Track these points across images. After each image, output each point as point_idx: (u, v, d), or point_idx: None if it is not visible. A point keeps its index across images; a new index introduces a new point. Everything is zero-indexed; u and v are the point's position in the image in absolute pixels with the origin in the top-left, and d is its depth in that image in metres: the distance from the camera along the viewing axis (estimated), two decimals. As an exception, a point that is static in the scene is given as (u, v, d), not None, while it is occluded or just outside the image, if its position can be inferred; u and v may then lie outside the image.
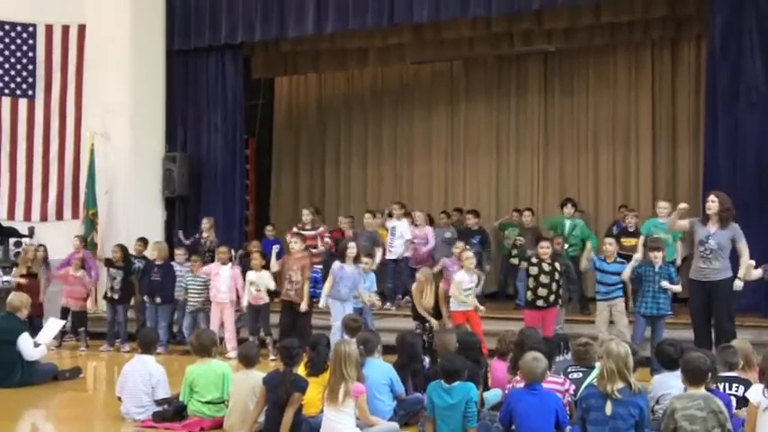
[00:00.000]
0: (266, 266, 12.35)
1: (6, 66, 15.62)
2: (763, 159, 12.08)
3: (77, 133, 15.72)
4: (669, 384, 7.07)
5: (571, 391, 7.16)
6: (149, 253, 13.81)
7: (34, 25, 15.68)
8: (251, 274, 12.35)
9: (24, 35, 15.65)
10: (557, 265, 10.74)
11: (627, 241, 12.60)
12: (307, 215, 13.94)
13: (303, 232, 13.23)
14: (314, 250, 13.16)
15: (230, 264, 12.68)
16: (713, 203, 9.72)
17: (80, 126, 15.71)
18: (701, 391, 6.14)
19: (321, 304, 11.80)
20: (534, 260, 10.79)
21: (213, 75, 16.01)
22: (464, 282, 10.93)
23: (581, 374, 7.46)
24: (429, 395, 7.06)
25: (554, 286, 10.67)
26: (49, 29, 15.73)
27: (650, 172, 16.01)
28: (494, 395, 7.94)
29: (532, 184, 16.97)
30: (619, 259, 11.09)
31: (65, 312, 13.47)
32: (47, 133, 15.73)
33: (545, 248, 10.76)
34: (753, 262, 9.67)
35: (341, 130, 18.64)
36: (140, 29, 15.54)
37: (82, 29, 15.73)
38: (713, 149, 12.62)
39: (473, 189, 17.43)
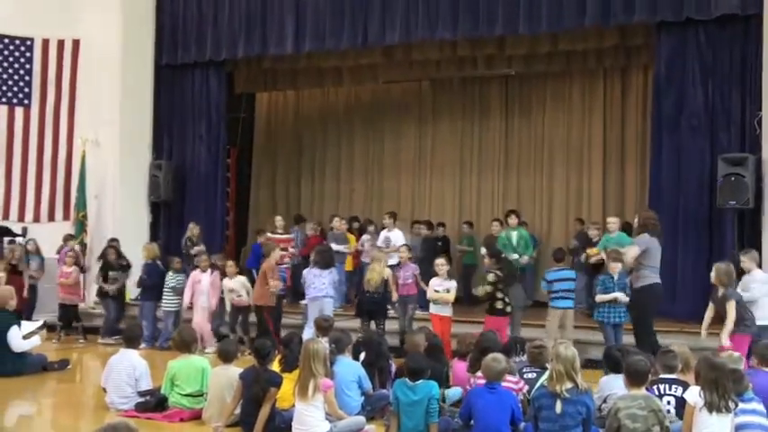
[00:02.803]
0: (241, 272, 12.39)
1: (5, 76, 15.48)
2: (702, 179, 12.21)
3: (70, 140, 15.60)
4: (615, 385, 7.14)
5: (524, 390, 7.21)
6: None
7: (32, 39, 15.57)
8: (227, 282, 12.37)
9: (22, 48, 15.53)
10: (489, 277, 10.64)
11: (592, 251, 12.77)
12: (280, 221, 14.76)
13: (276, 235, 14.01)
14: (285, 253, 13.44)
15: (209, 271, 12.64)
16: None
17: (72, 133, 15.59)
18: (642, 391, 6.22)
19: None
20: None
21: (198, 88, 15.95)
22: (435, 286, 10.99)
23: (535, 375, 7.50)
24: (394, 392, 7.06)
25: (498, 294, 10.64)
26: (45, 42, 15.62)
27: (600, 190, 16.12)
28: (454, 392, 7.98)
29: (493, 200, 17.00)
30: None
31: (63, 309, 13.43)
32: (41, 140, 15.60)
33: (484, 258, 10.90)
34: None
35: (316, 143, 18.65)
36: (131, 44, 15.47)
37: (76, 43, 15.64)
38: (658, 170, 12.73)
39: (438, 203, 17.47)
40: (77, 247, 14.37)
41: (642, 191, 15.01)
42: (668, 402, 6.73)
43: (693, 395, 6.19)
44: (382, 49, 14.96)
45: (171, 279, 12.93)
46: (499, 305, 10.60)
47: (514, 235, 13.35)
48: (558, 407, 6.17)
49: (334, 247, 13.36)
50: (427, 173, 17.60)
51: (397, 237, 13.90)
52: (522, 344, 8.53)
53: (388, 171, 17.91)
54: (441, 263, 11.15)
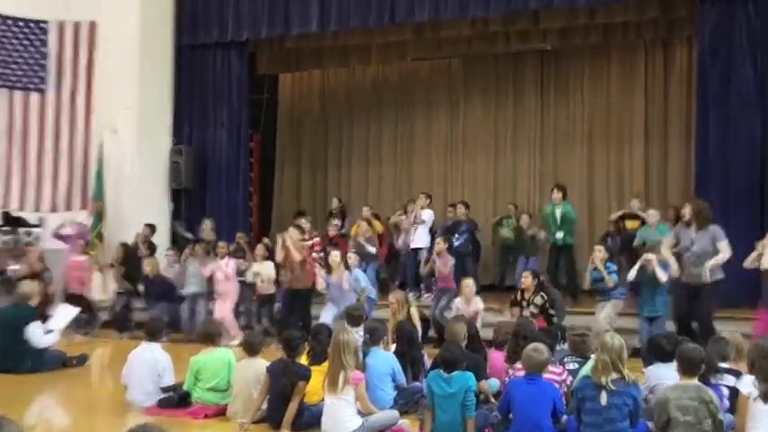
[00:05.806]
0: (270, 257, 12.33)
1: (20, 60, 15.46)
2: (752, 156, 12.03)
3: (87, 126, 15.57)
4: (662, 375, 7.00)
5: (568, 382, 7.07)
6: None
7: (47, 22, 15.55)
8: (255, 265, 12.34)
9: (37, 31, 15.49)
10: (536, 300, 10.26)
11: (630, 223, 12.92)
12: (305, 224, 14.02)
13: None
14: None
15: (227, 257, 12.68)
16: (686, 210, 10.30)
17: (90, 119, 15.56)
18: (694, 381, 6.08)
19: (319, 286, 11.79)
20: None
21: (219, 70, 15.91)
22: (461, 310, 10.76)
23: (577, 365, 7.37)
24: (428, 384, 6.93)
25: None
26: (61, 26, 15.58)
27: (642, 168, 15.90)
28: (491, 384, 7.85)
29: (529, 181, 16.82)
30: (608, 264, 10.87)
31: (70, 299, 13.38)
32: (57, 126, 15.57)
33: (526, 279, 10.53)
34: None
35: (342, 125, 18.49)
36: (149, 25, 15.45)
37: (93, 26, 15.60)
38: (704, 147, 12.55)
39: (471, 183, 17.27)
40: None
41: (687, 168, 14.83)
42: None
43: (747, 385, 6.05)
44: (411, 26, 14.83)
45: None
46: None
47: (558, 212, 13.26)
48: (604, 399, 6.06)
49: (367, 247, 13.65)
50: (459, 154, 17.40)
51: (428, 215, 13.94)
52: (564, 332, 8.39)
53: (418, 153, 17.73)
54: (467, 284, 10.93)
